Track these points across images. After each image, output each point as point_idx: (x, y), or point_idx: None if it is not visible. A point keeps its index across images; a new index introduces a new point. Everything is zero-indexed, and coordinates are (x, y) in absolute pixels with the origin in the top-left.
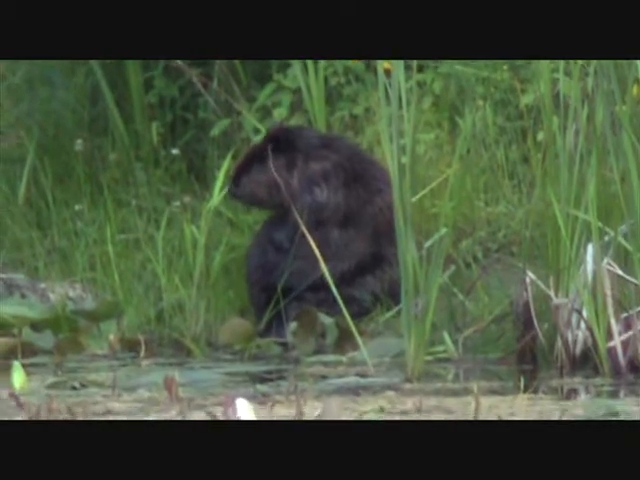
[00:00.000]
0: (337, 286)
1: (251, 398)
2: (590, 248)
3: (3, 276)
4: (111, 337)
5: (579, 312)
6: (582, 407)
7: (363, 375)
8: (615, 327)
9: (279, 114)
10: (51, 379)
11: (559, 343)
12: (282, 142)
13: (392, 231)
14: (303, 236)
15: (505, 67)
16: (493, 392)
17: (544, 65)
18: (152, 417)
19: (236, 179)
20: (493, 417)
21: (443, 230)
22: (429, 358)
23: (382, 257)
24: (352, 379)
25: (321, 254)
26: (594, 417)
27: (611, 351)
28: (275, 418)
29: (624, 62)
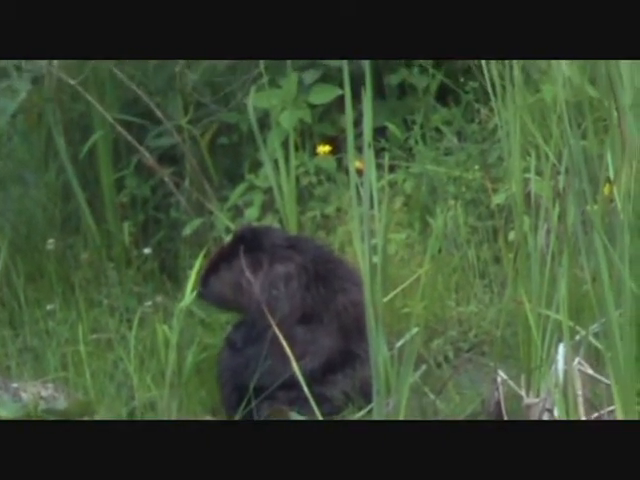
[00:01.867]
0: (308, 385)
1: None
2: (561, 347)
3: None
4: None
5: (550, 412)
6: None
7: None
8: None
9: (250, 214)
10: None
11: None
12: (249, 242)
13: (361, 328)
14: (266, 336)
15: (476, 167)
16: None
17: (515, 164)
18: None
19: (204, 280)
20: None
21: (414, 330)
22: None
23: (352, 354)
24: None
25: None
26: None
27: None
28: None
29: (595, 161)
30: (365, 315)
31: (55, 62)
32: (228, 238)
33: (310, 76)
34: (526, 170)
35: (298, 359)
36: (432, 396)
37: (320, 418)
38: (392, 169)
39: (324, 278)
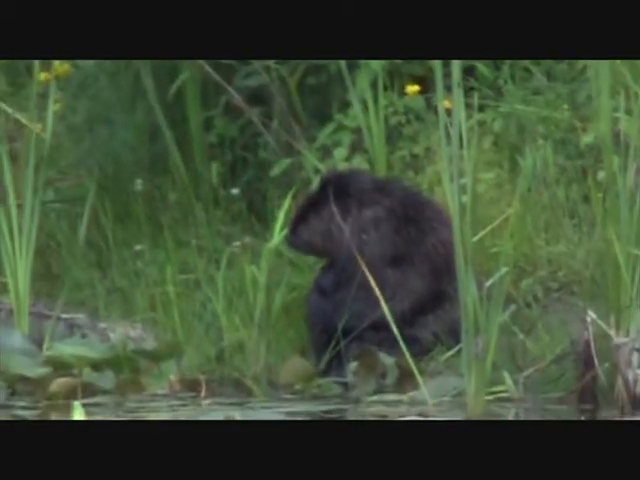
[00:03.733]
0: (398, 326)
1: None
2: None
3: (64, 316)
4: (171, 377)
5: (639, 351)
6: None
7: (424, 415)
8: None
9: (339, 154)
10: (112, 419)
11: (619, 382)
12: (336, 189)
13: (451, 267)
14: (356, 280)
15: (565, 106)
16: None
17: (605, 104)
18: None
19: (293, 228)
20: None
21: (503, 269)
22: (489, 397)
23: (443, 294)
24: (413, 418)
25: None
26: None
27: None
28: None
29: None
30: (455, 254)
31: None
32: (315, 183)
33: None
34: (615, 109)
35: (388, 301)
36: (521, 336)
37: (409, 358)
38: (481, 108)
39: (413, 220)
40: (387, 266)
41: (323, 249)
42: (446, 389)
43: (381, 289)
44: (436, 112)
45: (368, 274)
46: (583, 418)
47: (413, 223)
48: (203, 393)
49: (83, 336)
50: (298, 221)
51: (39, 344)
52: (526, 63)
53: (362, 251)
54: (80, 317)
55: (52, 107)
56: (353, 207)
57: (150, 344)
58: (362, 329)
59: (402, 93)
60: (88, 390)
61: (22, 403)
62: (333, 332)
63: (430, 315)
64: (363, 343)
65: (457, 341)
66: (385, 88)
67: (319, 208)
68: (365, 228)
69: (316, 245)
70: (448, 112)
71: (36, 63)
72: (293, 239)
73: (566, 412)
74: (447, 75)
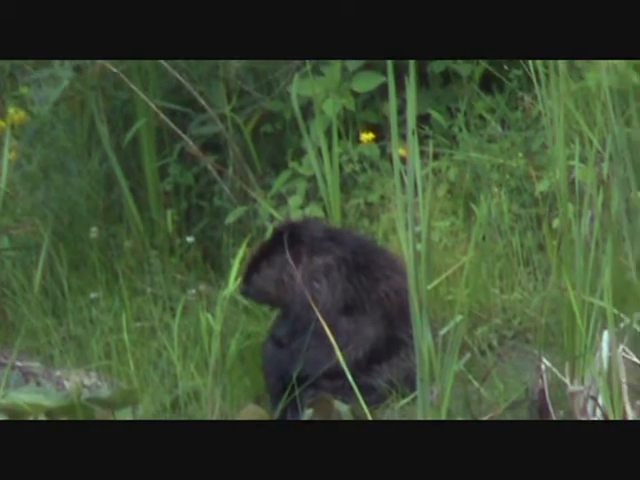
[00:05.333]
0: (352, 374)
1: None
2: (606, 335)
3: (19, 364)
4: None
5: (595, 399)
6: None
7: None
8: (630, 414)
9: (294, 202)
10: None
11: None
12: (289, 237)
13: (405, 314)
14: (310, 328)
15: (520, 154)
16: None
17: (559, 152)
18: None
19: (246, 277)
20: None
21: (459, 317)
22: None
23: (397, 341)
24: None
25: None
26: None
27: None
28: None
29: (639, 148)
30: (409, 301)
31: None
32: (269, 232)
33: (354, 63)
34: (570, 157)
35: (342, 349)
36: (476, 384)
37: (364, 407)
38: (436, 156)
39: (365, 268)
40: (340, 314)
41: (277, 297)
42: None
43: (335, 337)
44: (391, 160)
45: (322, 322)
46: None
47: (365, 271)
48: None
49: (38, 384)
50: (251, 270)
51: None
52: (481, 110)
53: (315, 299)
54: (35, 365)
55: (7, 155)
56: (304, 255)
57: (105, 392)
58: (317, 377)
59: (357, 141)
60: None
61: None
62: (289, 380)
63: (385, 363)
64: (318, 391)
65: (412, 389)
66: (340, 136)
67: (272, 257)
68: (316, 276)
69: (269, 293)
70: (403, 160)
71: None
72: (246, 288)
73: None
74: (402, 123)
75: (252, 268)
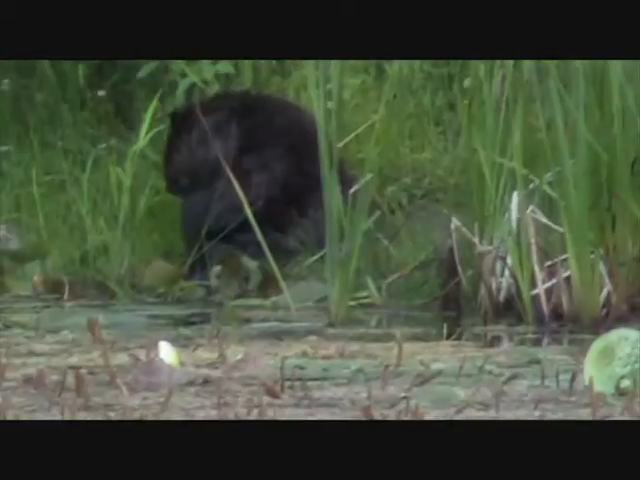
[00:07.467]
0: (262, 229)
1: (174, 341)
2: (515, 196)
3: None
4: (35, 278)
5: (503, 259)
6: (505, 354)
7: (286, 320)
8: (539, 275)
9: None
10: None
11: (483, 290)
12: (178, 117)
13: (310, 146)
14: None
15: None
16: (416, 338)
17: None
18: (75, 359)
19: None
20: (416, 363)
21: (368, 176)
22: (353, 303)
23: (310, 176)
24: (275, 323)
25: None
26: (516, 364)
27: (535, 299)
28: (198, 361)
29: None
30: (313, 134)
31: None
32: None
33: None
34: None
35: (252, 203)
36: (385, 242)
37: (272, 263)
38: None
39: (255, 109)
40: (242, 157)
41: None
42: (309, 295)
43: (245, 189)
44: None
45: (230, 176)
46: (445, 325)
47: (256, 111)
48: (66, 295)
49: None
50: (169, 167)
51: None
52: None
53: (217, 156)
54: None
55: None
56: (195, 121)
57: (14, 245)
58: (228, 232)
59: None
60: None
61: None
62: (198, 235)
63: (295, 220)
64: (230, 246)
65: (321, 247)
66: None
67: (174, 146)
68: (211, 134)
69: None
70: None
71: None
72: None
73: (429, 319)
74: None
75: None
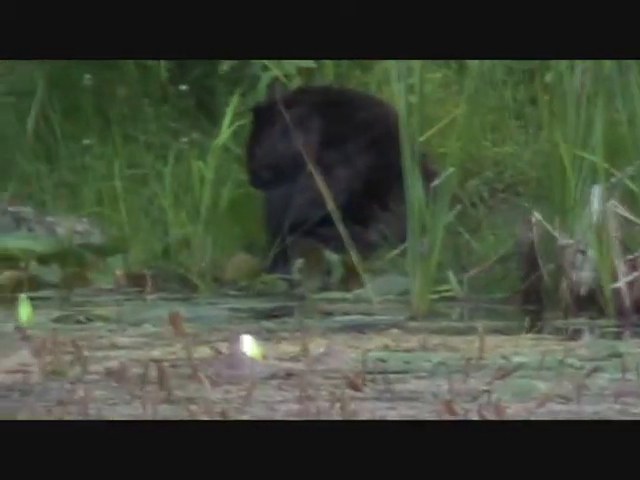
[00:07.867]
0: (345, 223)
1: (256, 334)
2: (596, 189)
3: (11, 209)
4: (117, 272)
5: (584, 253)
6: (586, 348)
7: (368, 313)
8: (620, 268)
9: None
10: (57, 313)
11: (564, 284)
12: (260, 111)
13: (394, 140)
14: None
15: None
16: (497, 332)
17: None
18: (157, 352)
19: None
20: (497, 357)
21: (450, 169)
22: (434, 296)
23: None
24: (357, 317)
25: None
26: (597, 358)
27: (616, 292)
28: (280, 354)
29: None
30: (395, 128)
31: None
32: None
33: None
34: None
35: (335, 197)
36: (466, 236)
37: (355, 256)
38: None
39: (338, 103)
40: (324, 151)
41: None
42: (391, 288)
43: (327, 183)
44: None
45: (313, 170)
46: (527, 319)
47: (339, 105)
48: (148, 288)
49: (30, 229)
50: (251, 161)
51: None
52: None
53: (300, 149)
54: (27, 210)
55: None
56: (277, 115)
57: (97, 239)
58: (310, 226)
59: None
60: (34, 283)
61: None
62: (280, 228)
63: (377, 213)
64: (311, 239)
65: (403, 240)
66: None
67: (257, 140)
68: (293, 128)
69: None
70: None
71: None
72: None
73: (510, 313)
74: None
75: (251, 159)
